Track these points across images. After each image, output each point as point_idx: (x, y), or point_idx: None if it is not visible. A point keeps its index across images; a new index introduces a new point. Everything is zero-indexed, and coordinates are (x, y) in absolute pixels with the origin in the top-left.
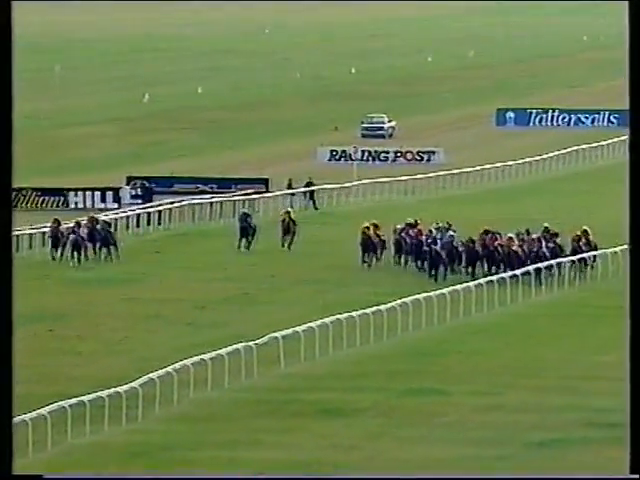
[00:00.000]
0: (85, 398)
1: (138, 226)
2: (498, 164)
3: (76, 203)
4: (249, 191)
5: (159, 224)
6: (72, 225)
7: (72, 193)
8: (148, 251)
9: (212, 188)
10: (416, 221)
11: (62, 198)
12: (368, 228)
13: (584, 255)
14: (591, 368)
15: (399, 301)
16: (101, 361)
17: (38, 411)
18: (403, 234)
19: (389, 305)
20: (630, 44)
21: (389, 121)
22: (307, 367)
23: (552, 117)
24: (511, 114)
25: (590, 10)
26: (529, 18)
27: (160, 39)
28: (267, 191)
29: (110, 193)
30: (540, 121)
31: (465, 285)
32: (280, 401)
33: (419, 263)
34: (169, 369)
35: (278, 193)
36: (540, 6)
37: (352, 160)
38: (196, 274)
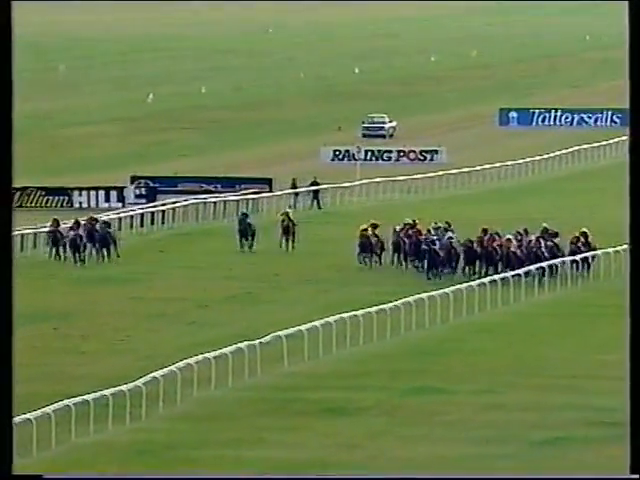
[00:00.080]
0: (89, 397)
1: (142, 225)
2: (500, 164)
3: (80, 203)
4: (253, 190)
5: (163, 223)
6: (71, 225)
7: (76, 192)
8: (152, 250)
9: (216, 188)
10: (414, 221)
11: (66, 198)
12: (366, 229)
13: (584, 255)
14: (593, 367)
15: (402, 300)
16: (105, 360)
17: (42, 410)
18: (402, 235)
19: (392, 304)
20: (630, 44)
21: (390, 121)
22: (310, 366)
23: (555, 117)
24: (514, 114)
25: (590, 10)
26: (529, 18)
27: (161, 39)
28: (271, 191)
29: (114, 193)
30: (543, 121)
31: (467, 285)
32: (283, 400)
33: (417, 263)
34: (173, 368)
35: (281, 193)
36: (540, 6)
37: (355, 160)
38: (199, 273)
